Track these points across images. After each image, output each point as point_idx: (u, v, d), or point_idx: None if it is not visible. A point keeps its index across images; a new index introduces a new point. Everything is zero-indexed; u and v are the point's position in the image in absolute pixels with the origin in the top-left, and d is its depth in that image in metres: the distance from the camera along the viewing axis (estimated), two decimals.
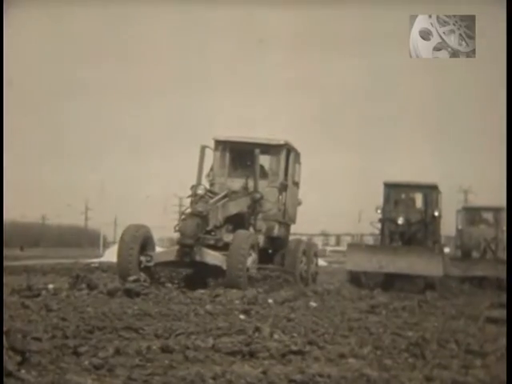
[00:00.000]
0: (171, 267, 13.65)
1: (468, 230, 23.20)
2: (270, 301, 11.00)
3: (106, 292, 11.16)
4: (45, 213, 64.24)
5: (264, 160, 15.42)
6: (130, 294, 11.09)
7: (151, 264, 13.30)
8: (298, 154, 16.02)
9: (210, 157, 15.19)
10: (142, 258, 13.25)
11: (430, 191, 18.86)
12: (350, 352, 6.34)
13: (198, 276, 13.60)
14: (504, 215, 23.52)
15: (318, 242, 58.92)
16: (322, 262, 33.71)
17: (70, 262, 24.12)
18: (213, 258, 13.20)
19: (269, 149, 15.25)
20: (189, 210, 13.47)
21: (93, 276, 13.64)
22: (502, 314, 10.00)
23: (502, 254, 22.93)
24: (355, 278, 17.09)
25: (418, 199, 19.28)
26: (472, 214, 24.09)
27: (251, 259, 13.41)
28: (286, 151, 15.45)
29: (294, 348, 6.27)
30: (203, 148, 14.72)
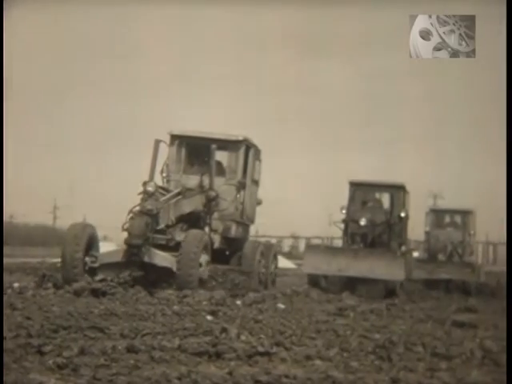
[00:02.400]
0: (118, 269, 12.70)
1: (435, 233, 23.10)
2: (238, 302, 10.98)
3: (73, 291, 11.05)
4: (12, 211, 63.49)
5: (223, 157, 14.90)
6: (96, 293, 11.00)
7: (96, 265, 12.65)
8: (258, 151, 15.44)
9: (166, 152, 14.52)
10: (87, 259, 12.62)
11: (397, 191, 18.38)
12: (317, 354, 6.33)
13: (147, 278, 12.80)
14: (472, 218, 23.61)
15: (288, 243, 59.06)
16: (291, 265, 33.82)
17: (37, 261, 23.85)
18: (162, 259, 12.66)
19: (227, 145, 14.73)
20: (137, 208, 12.77)
21: (59, 275, 13.46)
22: (468, 317, 10.09)
23: (468, 258, 23.06)
24: (314, 281, 16.55)
25: (385, 200, 18.80)
26: (440, 217, 24.03)
27: (204, 261, 12.89)
28: (245, 147, 14.86)
29: (260, 349, 6.25)
30: (157, 142, 13.98)
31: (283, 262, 36.34)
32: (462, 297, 17.00)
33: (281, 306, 11.07)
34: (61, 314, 8.17)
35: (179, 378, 5.17)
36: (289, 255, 45.36)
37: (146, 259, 12.56)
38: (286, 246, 58.22)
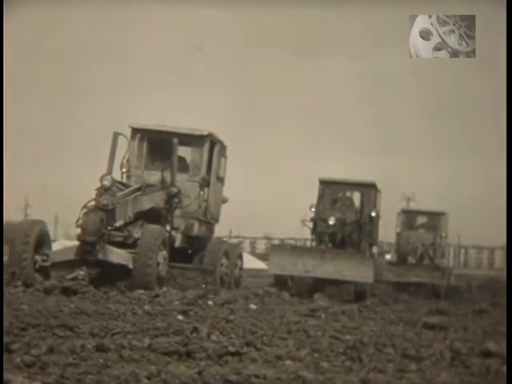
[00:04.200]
0: (71, 267, 12.11)
1: (406, 234, 22.85)
2: (210, 302, 10.95)
3: (43, 289, 10.93)
4: None
5: (187, 152, 14.49)
6: (67, 292, 10.89)
7: (47, 264, 12.10)
8: (223, 147, 14.90)
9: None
10: (37, 258, 12.06)
11: (368, 190, 17.97)
12: (288, 354, 6.33)
13: (103, 277, 12.26)
14: (444, 220, 23.60)
15: (261, 245, 59.05)
16: (263, 265, 33.81)
17: (7, 259, 23.58)
18: (118, 256, 12.11)
19: (191, 140, 14.28)
20: (92, 203, 12.23)
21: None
22: (438, 320, 10.15)
23: (439, 261, 23.06)
24: (281, 282, 16.00)
25: (356, 198, 18.35)
26: (411, 218, 23.85)
27: (161, 257, 12.35)
28: (209, 143, 14.34)
29: (231, 349, 6.22)
30: (116, 135, 13.33)
31: (256, 263, 36.38)
32: (431, 300, 17.05)
33: (252, 306, 11.05)
34: (30, 312, 8.09)
35: (149, 378, 5.13)
36: (266, 256, 45.28)
37: (101, 257, 12.01)
38: (262, 247, 58.24)
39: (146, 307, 9.52)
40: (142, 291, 11.46)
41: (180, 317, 8.73)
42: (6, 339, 6.15)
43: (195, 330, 7.08)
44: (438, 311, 12.38)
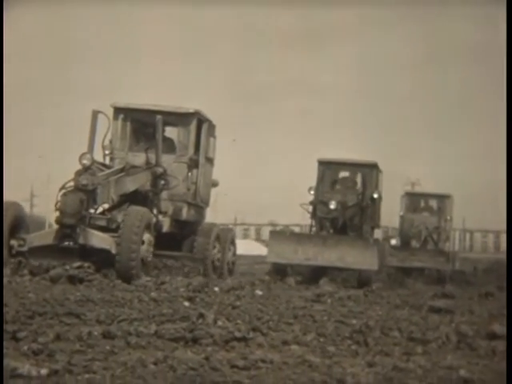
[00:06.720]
0: (51, 253, 11.49)
1: (409, 217, 22.37)
2: (216, 289, 10.98)
3: (49, 278, 10.95)
4: None
5: (174, 134, 13.91)
6: (73, 280, 10.91)
7: (25, 249, 11.50)
8: (212, 126, 14.15)
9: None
10: (13, 242, 11.49)
11: (370, 170, 17.25)
12: (294, 339, 6.34)
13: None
14: (449, 203, 23.34)
15: (267, 232, 59.12)
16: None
17: None
18: (100, 240, 11.42)
19: (177, 119, 13.65)
20: (71, 184, 11.60)
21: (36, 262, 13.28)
22: (444, 303, 10.17)
23: (444, 245, 22.85)
24: (280, 270, 15.44)
25: (358, 179, 17.60)
26: (415, 201, 23.44)
27: (146, 241, 11.69)
28: (196, 121, 13.63)
29: (237, 335, 6.24)
30: (95, 113, 12.43)
31: (262, 250, 36.42)
32: (436, 285, 16.98)
33: (259, 292, 11.08)
34: (37, 300, 8.11)
35: (155, 364, 5.15)
36: None
37: (81, 241, 11.36)
38: (267, 233, 58.25)
39: (153, 294, 9.55)
40: (148, 278, 11.39)
41: (186, 303, 8.76)
42: (13, 327, 6.18)
43: (201, 316, 7.09)
44: (444, 295, 12.41)
